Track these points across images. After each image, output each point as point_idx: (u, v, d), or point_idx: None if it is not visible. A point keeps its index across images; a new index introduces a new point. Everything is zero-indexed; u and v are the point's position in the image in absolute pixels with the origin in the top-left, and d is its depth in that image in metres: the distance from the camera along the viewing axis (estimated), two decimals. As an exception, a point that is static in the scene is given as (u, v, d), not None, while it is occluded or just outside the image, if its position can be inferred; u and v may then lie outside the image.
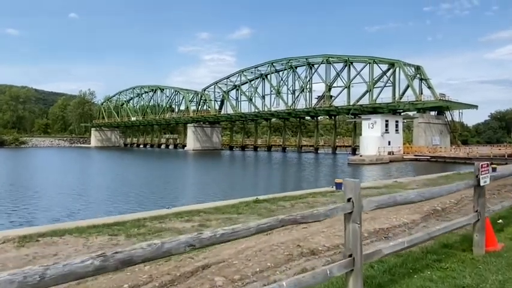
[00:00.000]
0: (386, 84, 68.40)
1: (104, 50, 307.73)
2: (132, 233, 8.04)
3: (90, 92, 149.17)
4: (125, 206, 17.74)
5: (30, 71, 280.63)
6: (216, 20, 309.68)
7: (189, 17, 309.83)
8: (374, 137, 54.63)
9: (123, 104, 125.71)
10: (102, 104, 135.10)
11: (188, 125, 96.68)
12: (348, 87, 72.15)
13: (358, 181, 3.84)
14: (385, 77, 68.89)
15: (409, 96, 63.55)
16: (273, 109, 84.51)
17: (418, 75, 66.38)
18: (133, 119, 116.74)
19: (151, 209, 14.74)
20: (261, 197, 13.32)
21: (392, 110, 62.58)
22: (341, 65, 74.77)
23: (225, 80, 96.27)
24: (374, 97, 67.90)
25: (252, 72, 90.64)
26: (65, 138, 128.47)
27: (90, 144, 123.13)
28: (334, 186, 16.25)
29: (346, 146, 78.71)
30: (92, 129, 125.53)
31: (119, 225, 9.03)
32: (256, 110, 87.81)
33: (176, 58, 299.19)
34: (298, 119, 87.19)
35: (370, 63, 68.92)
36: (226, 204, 11.68)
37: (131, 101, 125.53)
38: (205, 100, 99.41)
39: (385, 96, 67.53)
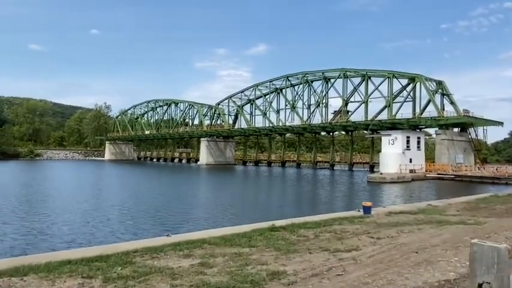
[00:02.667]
0: (406, 100, 66.00)
1: (123, 65, 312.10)
2: (112, 276, 6.18)
3: (106, 106, 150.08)
4: (123, 227, 15.93)
5: (50, 85, 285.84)
6: (233, 36, 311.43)
7: (207, 34, 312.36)
8: (395, 154, 52.12)
9: (138, 117, 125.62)
10: (117, 118, 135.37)
11: (201, 139, 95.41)
12: (366, 102, 69.91)
13: (504, 248, 1.89)
14: (405, 92, 66.46)
15: (430, 112, 61.11)
16: (287, 124, 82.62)
17: (439, 90, 63.86)
18: (147, 132, 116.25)
19: (150, 235, 12.99)
20: (277, 223, 11.37)
21: (412, 126, 60.03)
22: (358, 79, 72.70)
23: (240, 94, 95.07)
24: (393, 113, 65.52)
25: (266, 87, 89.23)
26: (79, 151, 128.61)
27: (104, 157, 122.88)
28: (362, 210, 14.21)
29: (364, 163, 76.08)
30: (107, 142, 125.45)
31: (101, 260, 7.21)
32: (271, 125, 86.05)
33: (193, 74, 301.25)
34: (313, 134, 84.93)
35: (389, 77, 66.69)
36: (236, 233, 9.76)
37: (146, 115, 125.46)
38: (219, 114, 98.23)
39: (405, 112, 65.17)
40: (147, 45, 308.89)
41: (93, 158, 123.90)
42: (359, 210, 14.67)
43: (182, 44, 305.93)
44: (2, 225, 15.83)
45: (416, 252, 7.35)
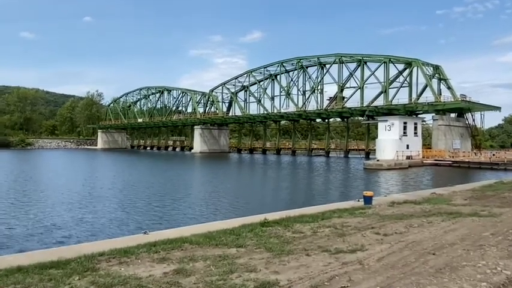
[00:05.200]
0: (403, 85, 64.82)
1: (116, 53, 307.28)
2: (63, 290, 4.99)
3: (98, 94, 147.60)
4: (100, 222, 14.72)
5: (42, 73, 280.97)
6: (228, 23, 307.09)
7: (201, 21, 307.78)
8: (391, 140, 51.06)
9: (130, 105, 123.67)
10: (109, 106, 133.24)
11: (195, 127, 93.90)
12: (362, 88, 68.64)
13: None
14: (401, 77, 65.26)
15: (427, 97, 59.97)
16: (282, 111, 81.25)
17: (436, 75, 62.65)
18: (140, 120, 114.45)
19: (127, 232, 11.82)
20: (270, 216, 10.22)
21: (409, 111, 58.98)
22: (354, 65, 71.30)
23: (233, 81, 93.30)
24: (389, 98, 64.37)
25: (261, 73, 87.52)
26: (71, 140, 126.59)
27: (96, 146, 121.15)
28: (362, 200, 13.12)
29: (359, 150, 75.14)
30: (99, 131, 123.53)
31: (58, 266, 6.02)
32: (265, 112, 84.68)
33: (187, 61, 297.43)
34: (308, 121, 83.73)
35: (385, 62, 65.35)
36: (223, 229, 8.59)
37: (138, 103, 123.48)
38: (213, 102, 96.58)
39: (401, 98, 64.03)
40: (140, 33, 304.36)
41: (86, 146, 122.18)
42: (359, 200, 13.60)
43: (176, 31, 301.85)
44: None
45: (434, 254, 6.22)
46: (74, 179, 31.47)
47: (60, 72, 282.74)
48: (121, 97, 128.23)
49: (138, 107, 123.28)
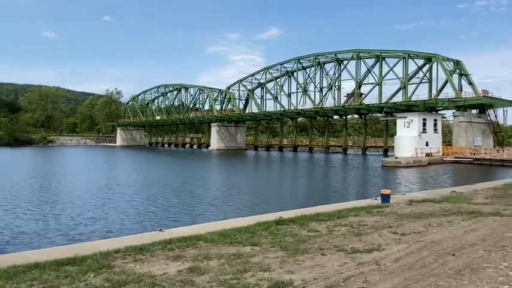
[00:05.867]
0: (422, 81, 63.59)
1: (135, 51, 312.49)
2: (78, 287, 5.04)
3: (117, 92, 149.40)
4: (115, 220, 14.89)
5: (63, 72, 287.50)
6: (246, 20, 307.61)
7: (219, 18, 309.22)
8: (410, 137, 50.17)
9: (148, 103, 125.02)
10: (127, 104, 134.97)
11: (212, 124, 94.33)
12: (380, 84, 67.64)
13: None
14: (420, 72, 64.04)
15: (447, 93, 58.67)
16: (299, 108, 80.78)
17: (457, 71, 61.19)
18: (157, 118, 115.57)
19: (142, 230, 11.91)
20: (285, 214, 10.15)
21: (429, 107, 57.79)
22: (372, 60, 70.29)
23: (250, 78, 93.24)
24: (408, 94, 63.27)
25: (277, 70, 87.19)
26: (91, 137, 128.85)
27: (115, 143, 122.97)
28: (379, 199, 12.90)
29: (377, 147, 74.12)
30: (118, 128, 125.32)
31: (74, 263, 6.09)
32: (282, 109, 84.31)
33: (205, 59, 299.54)
34: (325, 118, 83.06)
35: (404, 58, 64.20)
36: (238, 227, 8.56)
37: (156, 100, 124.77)
38: (230, 99, 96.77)
39: (420, 94, 62.78)
40: (159, 31, 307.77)
41: (105, 144, 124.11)
42: (376, 199, 13.38)
43: (194, 29, 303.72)
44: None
45: (453, 255, 6.05)
46: (93, 176, 32.01)
47: (80, 71, 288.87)
48: (139, 95, 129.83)
49: (156, 104, 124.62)
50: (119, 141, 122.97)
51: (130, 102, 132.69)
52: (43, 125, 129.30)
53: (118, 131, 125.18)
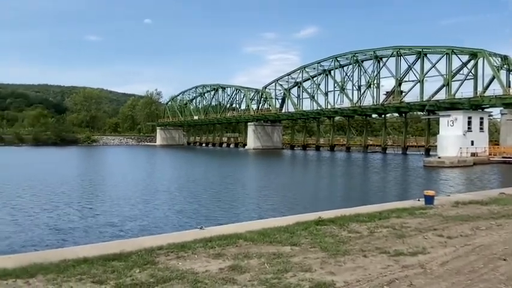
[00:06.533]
0: (467, 77, 60.88)
1: (174, 53, 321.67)
2: (125, 282, 5.22)
3: (157, 92, 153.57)
4: (158, 217, 15.27)
5: (106, 74, 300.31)
6: (282, 19, 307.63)
7: (255, 18, 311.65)
8: (454, 136, 48.19)
9: (187, 103, 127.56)
10: (167, 104, 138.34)
11: (249, 123, 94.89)
12: (421, 81, 65.39)
13: None
14: (465, 69, 61.36)
15: (494, 90, 55.79)
16: (336, 106, 79.60)
17: (505, 66, 58.10)
18: (195, 117, 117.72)
19: (182, 227, 12.18)
20: (325, 214, 10.03)
21: (474, 105, 55.20)
22: (413, 57, 68.05)
23: (287, 77, 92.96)
24: (452, 92, 60.74)
25: (314, 68, 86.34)
26: (132, 137, 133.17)
27: (155, 142, 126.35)
28: (422, 200, 12.48)
29: (419, 146, 71.71)
30: (158, 128, 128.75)
31: (120, 259, 6.30)
32: (319, 108, 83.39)
33: (242, 59, 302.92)
34: (364, 117, 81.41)
35: (447, 54, 61.67)
36: (277, 226, 8.55)
37: (194, 100, 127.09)
38: (266, 98, 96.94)
39: (465, 91, 60.12)
40: (197, 33, 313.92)
41: (146, 143, 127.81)
42: (419, 200, 12.95)
43: (231, 30, 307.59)
44: (40, 215, 15.76)
45: (505, 260, 5.76)
46: (136, 174, 33.07)
47: (122, 73, 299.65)
48: (178, 95, 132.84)
49: (194, 104, 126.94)
50: (158, 141, 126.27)
51: (170, 103, 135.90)
52: (87, 125, 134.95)
53: (158, 130, 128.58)
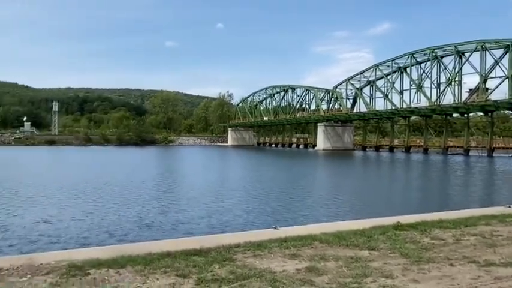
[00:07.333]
0: None
1: (245, 55, 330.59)
2: (206, 277, 5.42)
3: (229, 94, 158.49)
4: (232, 214, 15.64)
5: (181, 77, 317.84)
6: (353, 17, 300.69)
7: (325, 17, 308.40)
8: (550, 137, 43.40)
9: (257, 104, 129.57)
10: (238, 105, 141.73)
11: (318, 124, 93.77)
12: (510, 77, 59.79)
13: None
14: None
15: None
16: (413, 106, 75.64)
17: None
18: (265, 118, 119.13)
19: (254, 226, 12.35)
20: (403, 219, 9.58)
21: None
22: (500, 51, 62.46)
23: (358, 76, 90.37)
24: (548, 88, 54.81)
25: (388, 66, 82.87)
26: (205, 137, 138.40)
27: (227, 143, 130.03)
28: (515, 207, 11.39)
29: (507, 148, 65.64)
30: (229, 129, 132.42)
31: (200, 254, 6.57)
32: (393, 107, 79.87)
33: (311, 59, 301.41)
34: (443, 116, 76.36)
35: (543, 45, 55.82)
36: (353, 229, 8.34)
37: (264, 102, 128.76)
38: (337, 98, 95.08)
39: None
40: (267, 34, 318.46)
41: (217, 143, 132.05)
42: (510, 206, 11.84)
43: (301, 30, 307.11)
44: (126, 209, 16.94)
45: None
46: (210, 174, 34.33)
47: (196, 76, 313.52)
48: (249, 97, 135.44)
49: (264, 105, 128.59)
50: (229, 141, 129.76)
51: (240, 104, 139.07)
52: (165, 126, 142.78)
53: (229, 131, 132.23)
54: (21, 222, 13.34)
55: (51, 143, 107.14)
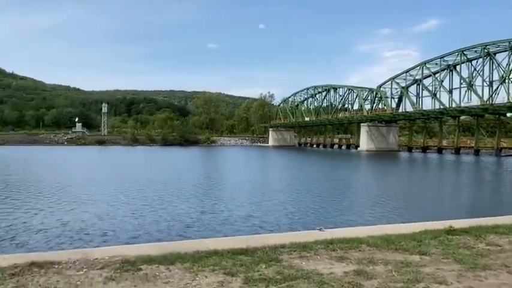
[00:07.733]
0: None
1: (287, 55, 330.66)
2: (253, 276, 5.48)
3: (270, 95, 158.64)
4: (274, 215, 15.64)
5: (223, 79, 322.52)
6: (398, 14, 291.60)
7: (368, 15, 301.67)
8: None
9: (298, 104, 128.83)
10: (279, 106, 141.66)
11: (362, 124, 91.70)
12: None
13: None
14: None
15: None
16: (463, 105, 72.13)
17: None
18: (306, 119, 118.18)
19: (301, 228, 12.26)
20: (455, 223, 9.17)
21: None
22: (562, 45, 58.33)
23: (404, 75, 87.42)
24: None
25: (436, 64, 79.54)
26: (247, 138, 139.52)
27: (268, 143, 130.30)
28: None
29: None
30: (270, 129, 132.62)
31: (247, 254, 6.65)
32: (442, 107, 76.57)
33: (354, 58, 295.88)
34: (496, 116, 72.28)
35: None
36: (402, 233, 8.10)
37: (305, 102, 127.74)
38: (381, 98, 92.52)
39: None
40: (309, 34, 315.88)
41: (259, 144, 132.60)
42: None
43: (344, 28, 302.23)
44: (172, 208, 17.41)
45: None
46: (253, 174, 34.61)
47: (238, 77, 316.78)
48: (290, 97, 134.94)
49: (305, 105, 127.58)
50: (270, 142, 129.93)
51: (282, 104, 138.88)
52: (207, 127, 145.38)
53: (270, 131, 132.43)
54: (78, 218, 14.11)
55: (101, 142, 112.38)
